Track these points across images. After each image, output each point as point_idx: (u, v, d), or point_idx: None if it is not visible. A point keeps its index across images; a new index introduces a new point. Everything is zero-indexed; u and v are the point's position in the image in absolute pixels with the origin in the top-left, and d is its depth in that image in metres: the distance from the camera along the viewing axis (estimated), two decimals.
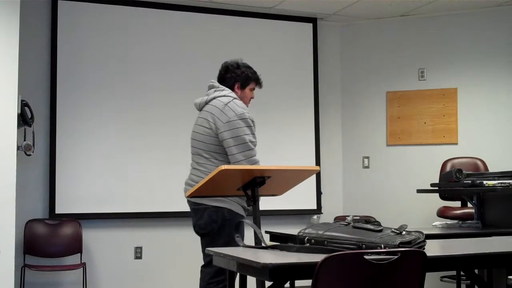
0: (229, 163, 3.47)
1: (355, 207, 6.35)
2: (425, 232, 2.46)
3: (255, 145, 3.52)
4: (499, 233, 3.58)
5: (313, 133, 6.34)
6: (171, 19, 5.94)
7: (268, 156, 6.03)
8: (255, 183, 2.99)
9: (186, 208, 6.08)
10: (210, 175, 3.01)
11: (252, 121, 3.54)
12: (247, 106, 3.65)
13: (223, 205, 3.57)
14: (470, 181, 4.07)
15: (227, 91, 3.62)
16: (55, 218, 5.42)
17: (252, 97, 3.74)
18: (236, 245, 2.75)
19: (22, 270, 5.14)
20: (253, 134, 3.52)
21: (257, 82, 3.74)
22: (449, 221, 4.46)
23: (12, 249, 4.48)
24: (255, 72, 3.76)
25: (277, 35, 6.29)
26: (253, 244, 2.78)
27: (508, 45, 6.02)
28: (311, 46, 6.40)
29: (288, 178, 3.36)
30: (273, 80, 6.24)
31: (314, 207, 6.26)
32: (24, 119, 4.81)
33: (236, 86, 3.67)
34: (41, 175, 5.48)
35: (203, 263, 3.67)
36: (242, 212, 3.63)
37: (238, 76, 3.67)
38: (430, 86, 6.22)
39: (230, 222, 3.61)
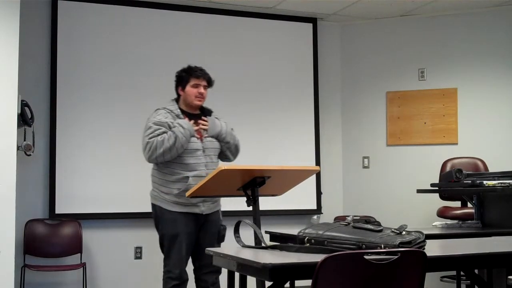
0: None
1: (355, 207, 6.35)
2: (425, 232, 2.46)
3: (150, 137, 3.80)
4: (499, 233, 3.58)
5: (313, 133, 6.33)
6: (171, 19, 5.93)
7: (268, 156, 6.07)
8: (255, 183, 2.99)
9: None
10: (210, 175, 3.01)
11: (159, 122, 3.79)
12: (197, 103, 3.90)
13: (154, 202, 3.85)
14: (470, 181, 4.07)
15: (167, 104, 3.93)
16: (55, 218, 5.42)
17: (200, 92, 3.88)
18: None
19: (22, 270, 5.14)
20: (150, 134, 3.79)
21: (195, 76, 3.85)
22: (449, 221, 4.46)
23: (12, 249, 4.47)
24: (189, 68, 3.92)
25: (277, 35, 6.28)
26: (253, 244, 2.78)
27: (508, 45, 6.01)
28: (311, 46, 6.39)
29: (288, 178, 3.36)
30: (273, 80, 6.25)
31: (314, 207, 6.25)
32: (24, 119, 4.80)
33: (179, 90, 3.92)
34: (41, 175, 5.47)
35: None
36: (177, 208, 3.72)
37: (176, 81, 3.96)
38: (430, 86, 6.22)
39: (160, 220, 3.77)
